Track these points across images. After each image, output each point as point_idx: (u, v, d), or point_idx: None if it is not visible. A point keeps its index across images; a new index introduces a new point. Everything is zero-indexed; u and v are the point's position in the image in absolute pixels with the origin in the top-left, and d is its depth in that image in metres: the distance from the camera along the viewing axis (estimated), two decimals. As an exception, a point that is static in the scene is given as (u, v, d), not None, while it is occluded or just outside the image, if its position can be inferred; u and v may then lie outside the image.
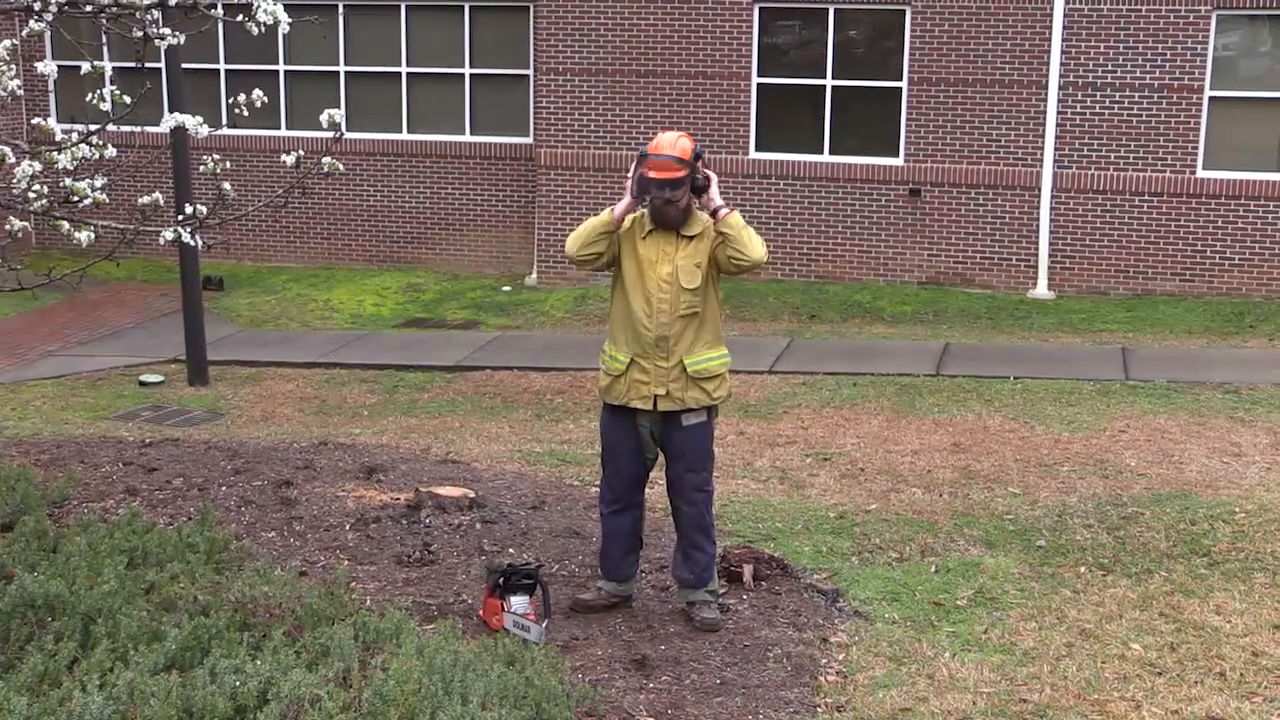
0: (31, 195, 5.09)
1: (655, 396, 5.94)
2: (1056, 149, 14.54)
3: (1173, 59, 14.11)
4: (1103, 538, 7.14)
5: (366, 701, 4.19)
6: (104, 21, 5.19)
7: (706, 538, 6.12)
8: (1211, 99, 14.17)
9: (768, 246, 6.20)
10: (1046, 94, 14.42)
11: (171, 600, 5.19)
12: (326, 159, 5.35)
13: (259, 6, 4.83)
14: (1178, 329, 13.35)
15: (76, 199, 5.06)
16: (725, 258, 5.91)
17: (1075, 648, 5.79)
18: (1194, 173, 14.29)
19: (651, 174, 5.84)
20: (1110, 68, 14.29)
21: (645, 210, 5.98)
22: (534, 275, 16.15)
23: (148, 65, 4.99)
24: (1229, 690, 5.34)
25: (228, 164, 5.44)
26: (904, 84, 14.85)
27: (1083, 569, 6.75)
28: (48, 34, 5.30)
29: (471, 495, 7.64)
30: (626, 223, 6.03)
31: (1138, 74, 14.22)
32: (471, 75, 16.56)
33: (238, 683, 4.26)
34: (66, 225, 5.22)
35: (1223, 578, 6.56)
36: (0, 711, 3.99)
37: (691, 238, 5.95)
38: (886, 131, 15.01)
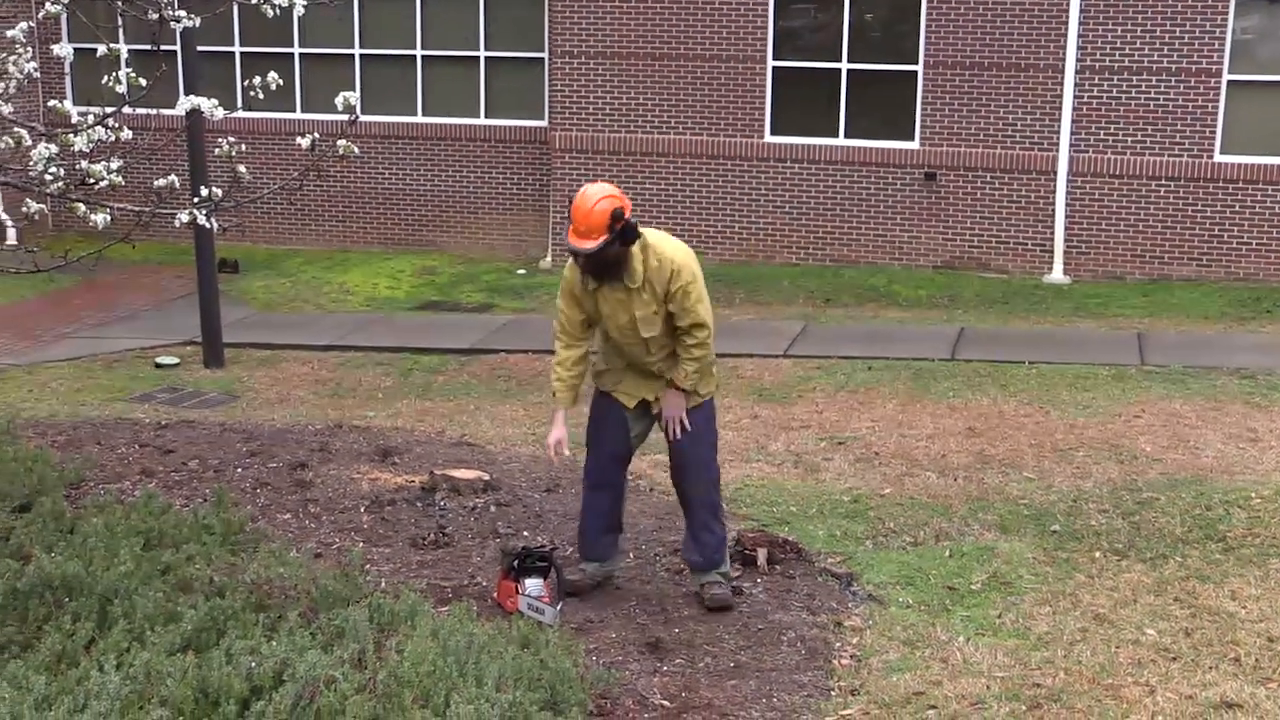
0: (48, 178, 5.10)
1: (643, 399, 6.00)
2: (1073, 133, 14.47)
3: (1190, 42, 14.03)
4: (1118, 523, 7.13)
5: (381, 683, 4.21)
6: (119, 4, 5.19)
7: (715, 519, 6.11)
8: (1230, 82, 14.09)
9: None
10: (1063, 78, 14.35)
11: (187, 581, 5.21)
12: (341, 142, 5.35)
13: (274, -11, 4.83)
14: (1194, 314, 13.30)
15: (93, 181, 5.07)
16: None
17: (1089, 633, 5.79)
18: (1211, 157, 14.22)
19: (571, 242, 5.71)
20: (1127, 51, 14.21)
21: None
22: (549, 258, 16.15)
23: (163, 48, 4.99)
24: (1244, 676, 5.33)
25: (243, 147, 5.44)
26: (920, 67, 14.78)
27: (1097, 554, 6.74)
28: (64, 17, 5.31)
29: (486, 478, 7.65)
30: (575, 277, 5.93)
31: (1155, 57, 14.14)
32: (486, 58, 16.54)
33: (253, 663, 4.28)
34: (83, 208, 5.23)
35: (1238, 563, 6.54)
36: (19, 690, 4.02)
37: (636, 289, 5.79)
38: (902, 115, 14.96)
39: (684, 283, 5.76)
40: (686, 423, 5.94)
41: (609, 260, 5.70)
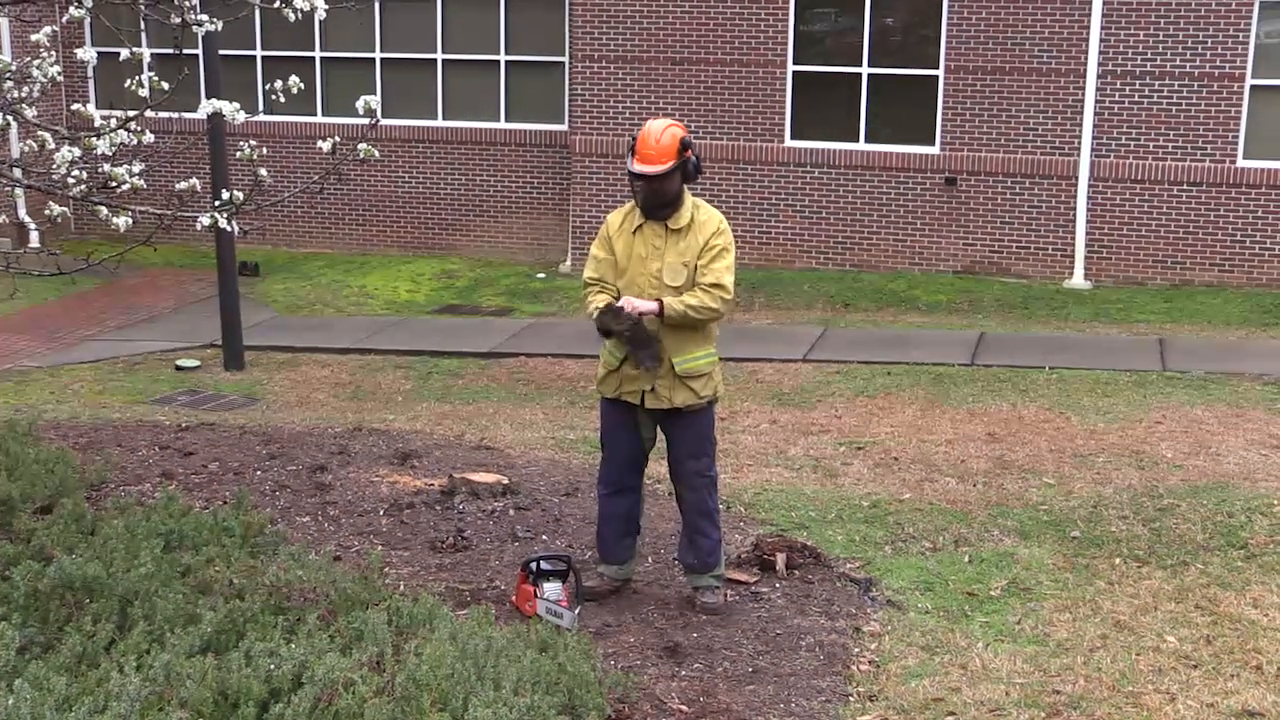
0: (71, 180, 5.13)
1: (643, 393, 5.97)
2: (1094, 138, 14.42)
3: (1213, 47, 13.97)
4: (1138, 529, 7.10)
5: (399, 686, 4.21)
6: (142, 8, 5.22)
7: (711, 523, 6.13)
8: (1253, 87, 14.02)
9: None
10: (1085, 82, 14.30)
11: (207, 583, 5.23)
12: (362, 145, 5.36)
13: (296, -7, 4.85)
14: (1216, 320, 13.23)
15: (115, 184, 5.10)
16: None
17: (1109, 639, 5.77)
18: (1234, 162, 14.16)
19: (637, 167, 5.80)
20: (1150, 56, 14.16)
21: (636, 204, 5.97)
22: (568, 262, 16.16)
23: (185, 51, 5.02)
24: (1265, 684, 5.30)
25: (264, 150, 5.46)
26: (940, 72, 14.76)
27: (1118, 560, 6.71)
28: (87, 21, 5.33)
29: (505, 481, 7.66)
30: (617, 220, 6.04)
31: (1178, 62, 14.09)
32: (507, 62, 16.57)
33: (272, 666, 4.28)
34: (105, 210, 5.25)
35: (1260, 570, 6.51)
36: (41, 691, 4.04)
37: (678, 231, 5.91)
38: (922, 120, 14.93)
39: (722, 244, 5.92)
40: (635, 309, 5.75)
41: (671, 193, 5.85)
